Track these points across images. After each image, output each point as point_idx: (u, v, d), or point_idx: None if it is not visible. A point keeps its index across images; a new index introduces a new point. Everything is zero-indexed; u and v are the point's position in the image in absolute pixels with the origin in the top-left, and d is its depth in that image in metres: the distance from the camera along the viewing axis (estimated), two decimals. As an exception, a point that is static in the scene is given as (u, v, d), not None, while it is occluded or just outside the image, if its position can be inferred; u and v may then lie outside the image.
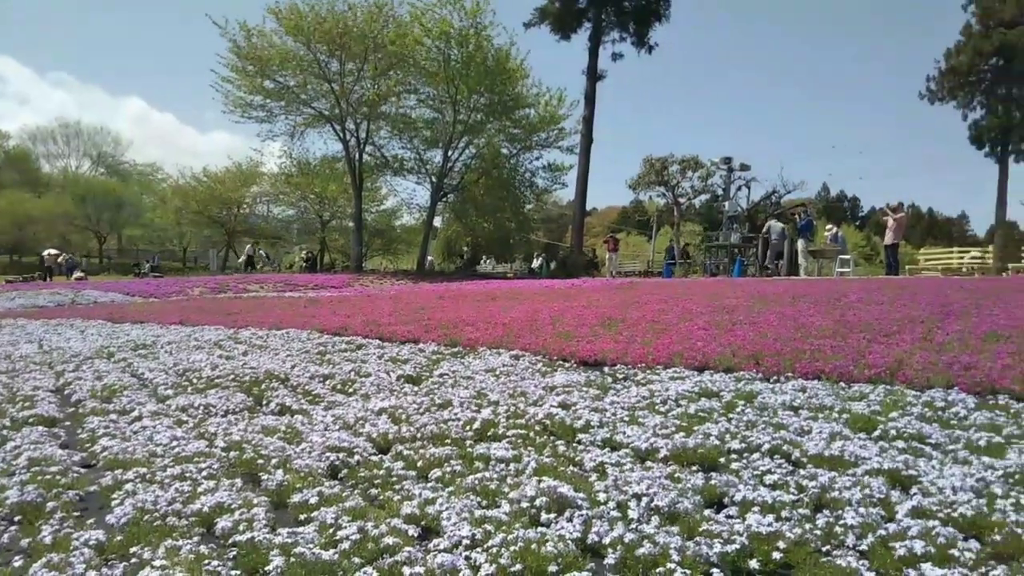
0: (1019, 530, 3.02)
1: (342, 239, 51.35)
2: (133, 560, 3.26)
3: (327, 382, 7.31)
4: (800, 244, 22.91)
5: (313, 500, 3.82)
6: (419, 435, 5.05)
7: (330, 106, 35.35)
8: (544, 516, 3.42)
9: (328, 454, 4.65)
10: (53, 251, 44.71)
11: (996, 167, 36.69)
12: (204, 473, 4.39)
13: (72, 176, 75.39)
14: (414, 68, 33.60)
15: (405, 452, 4.68)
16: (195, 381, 7.57)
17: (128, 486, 4.19)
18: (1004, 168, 36.32)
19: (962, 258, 22.51)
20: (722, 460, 4.26)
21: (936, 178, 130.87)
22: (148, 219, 58.96)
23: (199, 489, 4.06)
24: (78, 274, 40.07)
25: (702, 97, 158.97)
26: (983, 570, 2.76)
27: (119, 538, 3.52)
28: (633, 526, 3.25)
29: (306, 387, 7.05)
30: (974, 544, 2.96)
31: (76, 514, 3.99)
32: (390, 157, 38.64)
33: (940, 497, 3.43)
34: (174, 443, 5.10)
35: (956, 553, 2.84)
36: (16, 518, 3.89)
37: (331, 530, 3.40)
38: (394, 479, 4.20)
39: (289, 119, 36.75)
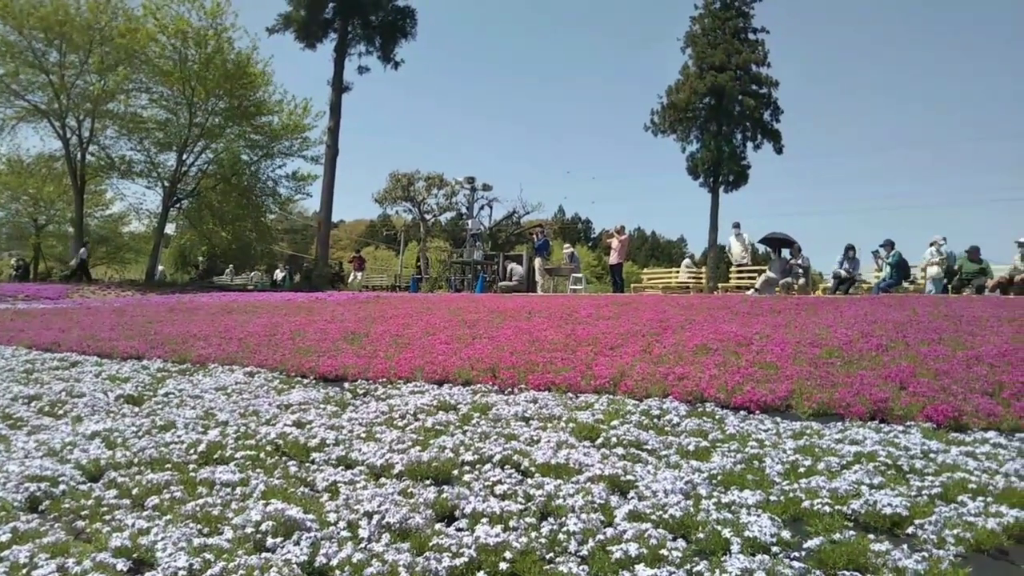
0: (719, 527, 3.29)
1: (60, 245, 46.78)
2: None
3: (33, 403, 6.61)
4: (537, 262, 23.94)
5: (5, 537, 3.40)
6: (136, 460, 4.67)
7: (48, 100, 32.10)
8: (270, 540, 3.26)
9: (28, 484, 4.17)
10: None
11: (709, 196, 40.59)
12: None
13: None
14: (146, 65, 31.42)
15: (119, 479, 4.29)
16: None
17: None
18: (716, 197, 40.18)
19: (678, 276, 24.63)
20: (456, 472, 4.31)
21: (659, 204, 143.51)
22: None
23: None
24: None
25: (447, 116, 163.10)
26: (688, 567, 2.97)
27: None
28: (363, 545, 3.19)
29: (7, 410, 6.32)
30: (682, 543, 3.19)
31: None
32: (117, 158, 35.68)
33: (654, 500, 3.68)
34: None
35: (666, 553, 3.04)
36: None
37: (25, 570, 3.04)
38: (104, 509, 3.84)
39: (-2, 111, 32.95)
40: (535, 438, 4.92)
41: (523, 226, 43.38)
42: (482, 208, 38.25)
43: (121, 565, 3.09)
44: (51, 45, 30.85)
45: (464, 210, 37.96)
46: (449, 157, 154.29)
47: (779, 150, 40.25)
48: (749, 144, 40.30)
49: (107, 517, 3.73)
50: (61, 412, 6.30)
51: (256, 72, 33.67)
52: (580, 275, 23.68)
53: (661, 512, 3.50)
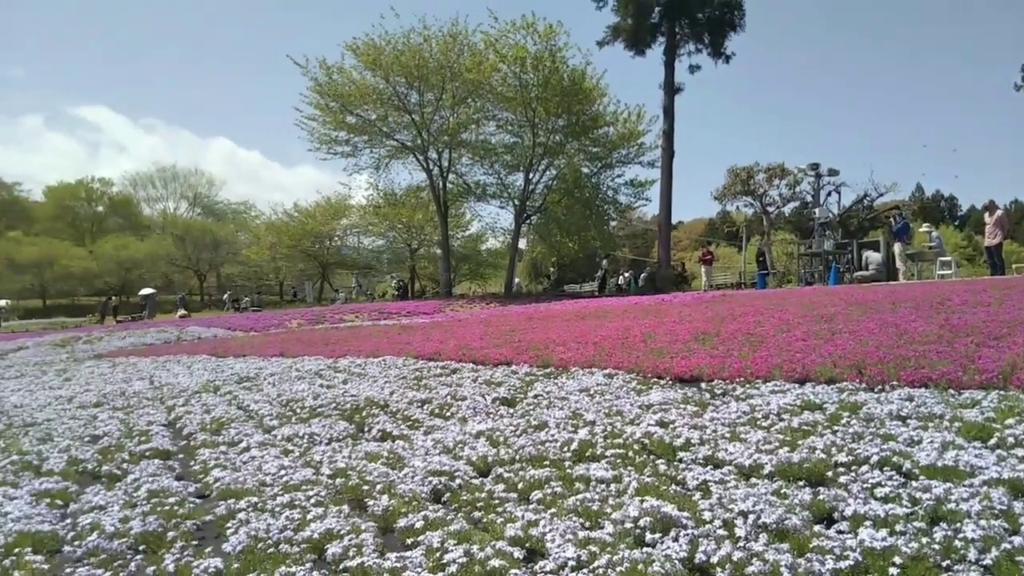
0: None
1: (431, 266, 52.19)
2: (250, 586, 3.39)
3: (425, 407, 7.42)
4: (897, 248, 22.15)
5: (418, 524, 3.89)
6: (518, 457, 5.09)
7: (412, 137, 36.10)
8: (649, 536, 3.40)
9: (430, 478, 4.73)
10: (148, 290, 46.82)
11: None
12: (312, 500, 4.53)
13: (171, 218, 79.45)
14: (491, 94, 34.02)
15: (505, 474, 4.71)
16: (298, 411, 7.79)
17: (241, 515, 4.35)
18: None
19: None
20: (829, 474, 4.15)
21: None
22: (244, 256, 61.30)
23: (308, 516, 4.18)
24: (181, 312, 41.78)
25: (783, 103, 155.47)
26: (1119, 583, 2.61)
27: (236, 565, 3.66)
28: (741, 544, 3.20)
29: (405, 412, 7.17)
30: (1112, 554, 2.81)
31: (194, 543, 4.17)
32: (472, 183, 39.22)
33: (1069, 507, 3.26)
34: (282, 472, 5.27)
35: (1089, 565, 2.70)
36: (141, 547, 4.10)
37: (438, 554, 3.45)
38: (496, 502, 4.24)
39: (373, 152, 37.78)
40: (915, 438, 4.57)
41: (876, 210, 40.46)
42: (829, 195, 36.32)
43: (517, 553, 3.39)
44: (411, 88, 34.59)
45: (809, 199, 36.25)
46: (789, 145, 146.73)
47: None
48: None
49: (499, 509, 4.11)
50: (448, 414, 7.03)
51: (590, 86, 34.92)
52: (948, 258, 21.50)
53: (1081, 520, 3.10)
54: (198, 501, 5.01)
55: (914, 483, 3.79)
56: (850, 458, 4.28)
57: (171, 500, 4.81)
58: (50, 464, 6.16)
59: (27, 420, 8.59)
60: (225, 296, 54.17)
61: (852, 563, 2.92)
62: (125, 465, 6.09)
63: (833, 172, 33.82)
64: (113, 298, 51.53)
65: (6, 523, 4.50)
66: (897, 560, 2.90)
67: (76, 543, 4.20)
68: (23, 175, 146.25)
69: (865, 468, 4.10)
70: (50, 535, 4.37)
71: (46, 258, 66.16)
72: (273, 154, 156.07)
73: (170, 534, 4.22)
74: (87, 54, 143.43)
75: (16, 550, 4.06)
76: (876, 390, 6.22)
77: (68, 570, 3.79)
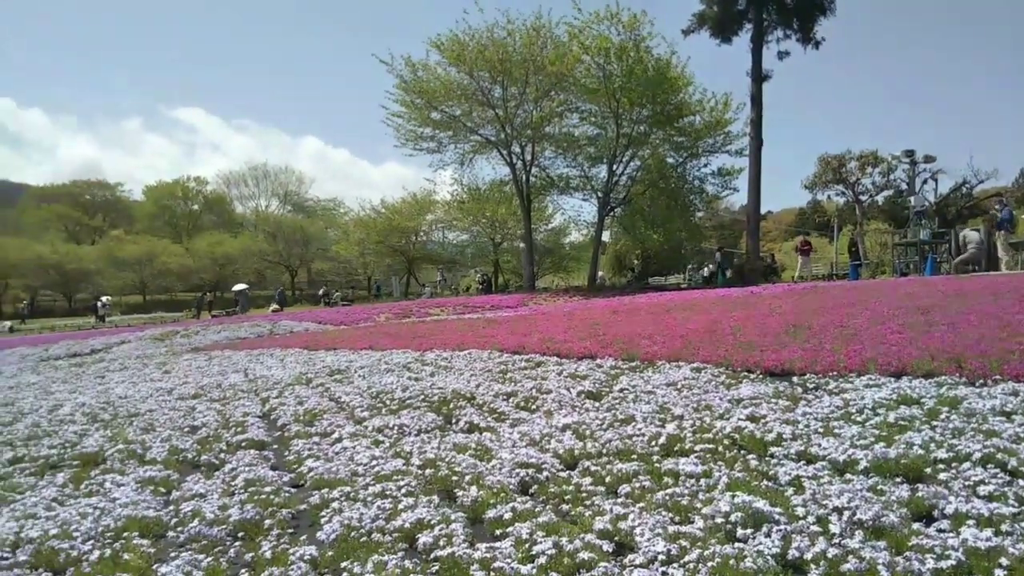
0: None
1: (514, 260, 52.30)
2: (344, 574, 3.47)
3: (511, 400, 7.45)
4: (1000, 237, 21.22)
5: (507, 516, 3.92)
6: (604, 451, 5.08)
7: (496, 131, 36.17)
8: (740, 531, 3.35)
9: (518, 470, 4.77)
10: (241, 286, 48.31)
11: None
12: (403, 491, 4.61)
13: (263, 215, 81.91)
14: (575, 86, 33.81)
15: (592, 468, 4.71)
16: (388, 403, 7.93)
17: (335, 504, 4.47)
18: None
19: None
20: (928, 471, 4.02)
21: None
22: (334, 252, 62.75)
23: (399, 506, 4.26)
24: (274, 306, 42.97)
25: (876, 88, 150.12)
26: None
27: (330, 553, 3.76)
28: (836, 541, 3.12)
29: (491, 405, 7.23)
30: None
31: (290, 531, 4.31)
32: (556, 176, 39.04)
33: None
34: (373, 462, 5.39)
35: None
36: (239, 534, 4.25)
37: (527, 545, 3.48)
38: (584, 495, 4.25)
39: (458, 148, 38.00)
40: (1021, 435, 4.37)
41: (976, 197, 38.82)
42: (925, 182, 34.92)
43: (606, 546, 3.40)
44: (495, 83, 34.61)
45: (904, 187, 34.98)
46: (882, 132, 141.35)
47: None
48: None
49: (587, 502, 4.11)
50: (534, 407, 7.05)
51: (675, 76, 34.36)
52: (1056, 248, 20.50)
53: None
54: (293, 490, 5.17)
55: (1021, 481, 3.64)
56: (950, 454, 4.13)
57: (267, 489, 4.98)
58: (153, 453, 6.45)
59: (131, 411, 8.99)
60: (320, 291, 55.72)
61: (954, 563, 2.83)
62: (223, 455, 6.33)
63: (929, 159, 32.54)
64: (208, 294, 53.40)
65: (115, 508, 4.74)
66: (1004, 561, 2.79)
67: (179, 529, 4.38)
68: (124, 175, 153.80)
69: (967, 465, 3.96)
70: (155, 520, 4.57)
71: (146, 255, 69.30)
72: (361, 152, 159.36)
73: (267, 522, 4.37)
74: (183, 59, 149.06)
75: (124, 534, 4.27)
76: (977, 384, 5.99)
77: (172, 554, 3.96)
